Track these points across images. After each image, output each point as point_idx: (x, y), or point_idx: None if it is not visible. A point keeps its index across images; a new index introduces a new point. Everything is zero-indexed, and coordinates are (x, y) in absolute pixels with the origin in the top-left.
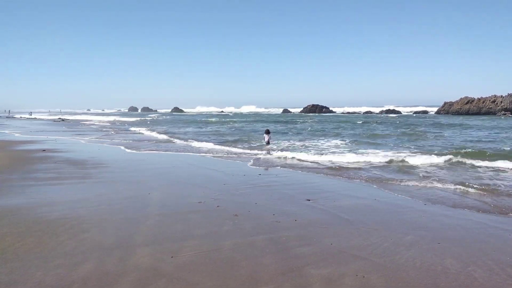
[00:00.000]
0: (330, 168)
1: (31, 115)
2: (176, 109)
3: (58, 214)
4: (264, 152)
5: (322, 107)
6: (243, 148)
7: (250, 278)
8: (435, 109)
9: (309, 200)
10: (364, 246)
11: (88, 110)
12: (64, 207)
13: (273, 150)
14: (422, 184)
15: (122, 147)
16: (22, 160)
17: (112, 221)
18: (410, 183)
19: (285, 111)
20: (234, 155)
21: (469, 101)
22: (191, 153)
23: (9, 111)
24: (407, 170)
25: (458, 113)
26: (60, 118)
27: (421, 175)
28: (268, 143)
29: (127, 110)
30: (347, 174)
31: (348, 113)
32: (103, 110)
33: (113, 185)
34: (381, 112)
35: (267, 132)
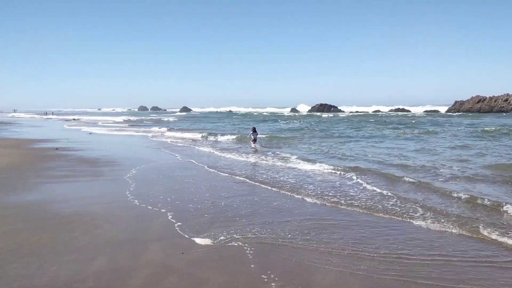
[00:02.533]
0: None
1: (46, 114)
2: (185, 109)
3: (71, 210)
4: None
5: (331, 106)
6: None
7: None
8: (446, 108)
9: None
10: None
11: (99, 109)
12: (77, 203)
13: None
14: None
15: None
16: (36, 158)
17: (124, 218)
18: None
19: (293, 110)
20: None
21: (481, 99)
22: None
23: (15, 110)
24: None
25: (469, 112)
26: (73, 119)
27: None
28: (255, 140)
29: (137, 110)
30: None
31: (357, 111)
32: (113, 109)
33: (124, 183)
34: (391, 111)
35: (254, 130)
